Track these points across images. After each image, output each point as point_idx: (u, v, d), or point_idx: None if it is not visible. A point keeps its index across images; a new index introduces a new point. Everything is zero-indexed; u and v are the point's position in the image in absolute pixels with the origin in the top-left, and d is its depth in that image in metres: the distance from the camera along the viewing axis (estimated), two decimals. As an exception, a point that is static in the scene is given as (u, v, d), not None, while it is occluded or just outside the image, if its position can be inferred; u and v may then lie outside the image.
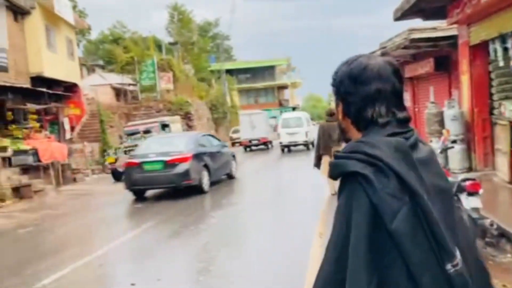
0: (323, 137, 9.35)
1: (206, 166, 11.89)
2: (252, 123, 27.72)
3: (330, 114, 9.52)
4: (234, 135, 36.39)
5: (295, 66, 65.15)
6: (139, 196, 11.93)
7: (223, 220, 8.61)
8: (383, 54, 12.94)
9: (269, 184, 13.27)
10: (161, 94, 31.67)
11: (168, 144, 12.28)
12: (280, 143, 23.97)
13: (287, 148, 23.72)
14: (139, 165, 11.44)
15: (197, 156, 11.64)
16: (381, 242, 1.16)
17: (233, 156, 14.62)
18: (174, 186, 11.40)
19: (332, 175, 1.27)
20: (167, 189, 12.00)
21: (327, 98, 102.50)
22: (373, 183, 1.17)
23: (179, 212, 9.62)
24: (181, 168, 11.15)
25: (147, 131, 19.36)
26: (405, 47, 11.33)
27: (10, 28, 17.64)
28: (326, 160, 9.13)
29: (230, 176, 14.13)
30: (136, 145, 17.79)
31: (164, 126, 20.34)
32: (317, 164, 9.45)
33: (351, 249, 1.17)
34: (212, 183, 12.17)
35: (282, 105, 59.93)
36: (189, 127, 28.75)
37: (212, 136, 14.84)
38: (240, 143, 29.66)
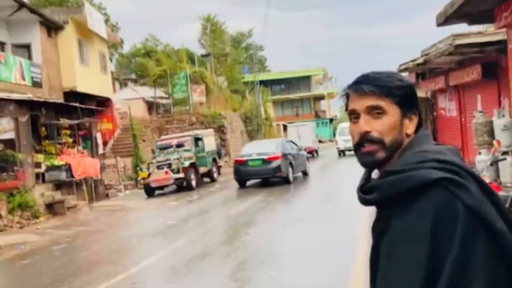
0: None
1: (290, 163, 16.60)
2: (299, 133, 30.87)
3: None
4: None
5: (332, 76, 64.85)
6: (243, 185, 17.04)
7: (305, 197, 9.69)
8: (425, 62, 12.75)
9: (331, 177, 18.47)
10: (193, 107, 32.07)
11: (263, 147, 17.41)
12: (337, 148, 28.64)
13: (343, 153, 27.63)
14: (245, 162, 16.55)
15: (284, 156, 16.26)
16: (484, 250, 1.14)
17: (307, 158, 19.44)
18: (271, 177, 16.33)
19: (402, 190, 1.20)
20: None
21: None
22: (467, 186, 1.16)
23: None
24: (275, 164, 15.98)
25: (180, 145, 19.60)
26: (449, 54, 11.12)
27: (43, 44, 18.34)
28: None
29: (305, 173, 18.60)
30: (168, 159, 18.08)
31: (197, 139, 20.55)
32: None
33: (460, 267, 1.12)
34: (294, 177, 16.83)
35: (318, 116, 59.72)
36: (223, 141, 28.96)
37: (292, 142, 19.36)
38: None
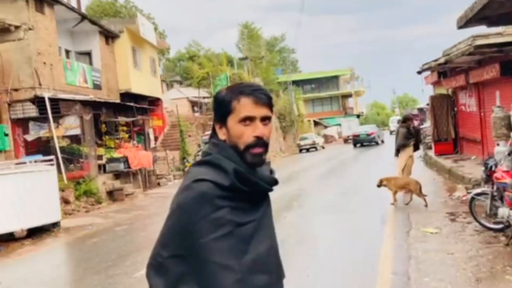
0: (397, 138, 10.51)
1: (378, 136, 32.92)
2: (349, 125, 44.94)
3: (403, 120, 10.84)
4: (302, 142, 36.47)
5: (358, 75, 64.13)
6: (356, 146, 32.10)
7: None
8: (446, 62, 12.63)
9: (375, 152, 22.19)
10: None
11: (366, 128, 34.62)
12: (390, 131, 42.49)
13: (361, 143, 33.28)
14: (358, 135, 32.62)
15: (376, 132, 32.78)
16: None
17: (382, 134, 35.06)
18: (370, 143, 31.91)
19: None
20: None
21: (390, 105, 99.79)
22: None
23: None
24: (372, 136, 32.18)
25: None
26: (469, 54, 11.01)
27: (102, 51, 19.00)
28: (400, 156, 10.24)
29: (381, 142, 32.79)
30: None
31: (237, 134, 20.90)
32: (397, 154, 10.50)
33: None
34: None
35: (346, 113, 59.19)
36: (259, 136, 29.22)
37: (377, 126, 34.87)
38: (345, 139, 42.57)
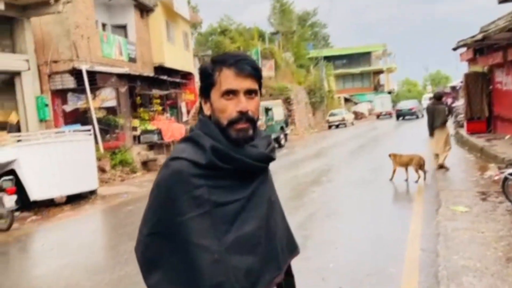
0: (430, 118, 10.20)
1: (418, 110, 36.99)
2: (382, 102, 47.07)
3: (438, 97, 10.51)
4: (331, 118, 36.12)
5: (391, 52, 62.53)
6: (399, 119, 36.92)
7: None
8: (484, 38, 12.15)
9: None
10: (263, 80, 32.22)
11: (408, 103, 39.09)
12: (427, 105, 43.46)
13: (403, 117, 37.35)
14: (401, 110, 37.38)
15: (416, 107, 37.22)
16: None
17: (422, 109, 35.15)
18: (411, 116, 36.33)
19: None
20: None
21: (422, 83, 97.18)
22: None
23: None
24: (413, 110, 36.74)
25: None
26: (509, 30, 10.55)
27: (137, 24, 19.10)
28: (440, 133, 10.06)
29: (421, 116, 34.47)
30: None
31: (267, 109, 20.84)
32: (431, 134, 10.33)
33: None
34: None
35: (377, 89, 58.07)
36: (289, 111, 29.08)
37: (419, 101, 40.34)
38: (377, 115, 45.92)
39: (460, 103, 21.22)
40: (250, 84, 1.34)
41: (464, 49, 16.69)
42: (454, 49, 16.64)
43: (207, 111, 1.40)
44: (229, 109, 1.33)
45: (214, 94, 1.36)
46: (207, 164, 1.32)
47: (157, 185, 1.35)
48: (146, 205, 1.39)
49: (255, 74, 1.36)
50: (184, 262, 1.28)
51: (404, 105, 38.65)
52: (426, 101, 45.85)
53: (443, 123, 10.10)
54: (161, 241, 1.32)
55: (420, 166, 9.16)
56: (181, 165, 1.31)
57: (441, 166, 10.08)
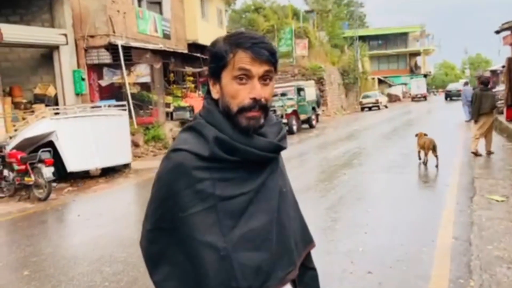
0: (478, 103, 10.02)
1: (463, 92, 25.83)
2: (418, 84, 48.28)
3: (486, 83, 10.42)
4: (364, 100, 35.58)
5: (429, 33, 60.62)
6: (447, 100, 40.82)
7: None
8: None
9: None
10: (296, 59, 31.94)
11: (456, 85, 41.81)
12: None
13: (451, 98, 40.00)
14: (450, 91, 41.56)
15: (463, 89, 23.47)
16: None
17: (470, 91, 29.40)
18: (458, 97, 30.38)
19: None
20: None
21: (461, 66, 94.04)
22: None
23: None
24: (461, 92, 24.23)
25: (284, 94, 19.94)
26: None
27: (172, 1, 19.13)
28: (486, 120, 10.00)
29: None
30: (273, 106, 18.55)
31: (300, 90, 20.69)
32: (476, 120, 10.22)
33: None
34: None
35: (413, 72, 56.66)
36: (321, 92, 28.77)
37: (466, 83, 26.03)
38: (412, 97, 48.29)
39: (500, 89, 20.47)
40: (266, 69, 1.24)
41: (508, 32, 16.02)
42: (497, 32, 16.01)
43: (215, 94, 1.28)
44: (241, 94, 1.23)
45: (225, 76, 1.25)
46: (210, 156, 1.23)
47: (158, 179, 1.28)
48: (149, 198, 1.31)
49: (272, 58, 1.25)
50: (189, 259, 1.23)
51: (454, 86, 42.62)
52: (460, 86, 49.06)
53: (492, 109, 10.08)
54: (165, 236, 1.26)
55: (431, 149, 9.21)
56: (183, 158, 1.23)
57: (476, 153, 9.97)
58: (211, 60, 1.28)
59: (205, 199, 1.22)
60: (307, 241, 1.45)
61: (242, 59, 1.22)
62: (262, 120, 1.26)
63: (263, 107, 1.25)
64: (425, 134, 9.64)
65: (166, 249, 1.26)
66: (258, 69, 1.23)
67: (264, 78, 1.24)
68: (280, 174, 1.39)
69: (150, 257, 1.31)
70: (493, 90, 21.30)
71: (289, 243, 1.33)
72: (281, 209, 1.33)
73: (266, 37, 1.31)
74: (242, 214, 1.24)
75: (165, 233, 1.26)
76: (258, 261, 1.24)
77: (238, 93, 1.23)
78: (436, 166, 8.96)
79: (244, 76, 1.22)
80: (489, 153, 10.14)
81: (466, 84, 22.76)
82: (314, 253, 1.50)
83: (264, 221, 1.27)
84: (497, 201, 6.30)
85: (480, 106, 9.97)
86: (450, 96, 41.34)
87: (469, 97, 17.99)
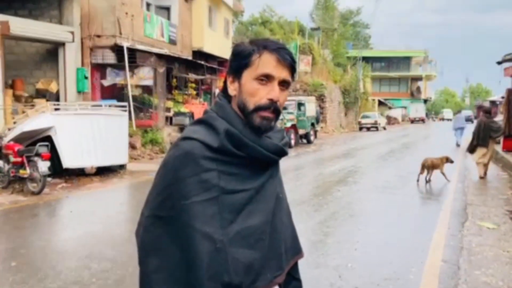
0: (483, 131, 10.56)
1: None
2: (416, 108, 53.33)
3: (487, 111, 11.36)
4: (363, 120, 35.73)
5: (432, 59, 61.12)
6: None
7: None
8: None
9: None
10: (299, 75, 32.13)
11: (465, 112, 33.11)
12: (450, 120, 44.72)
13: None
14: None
15: (472, 115, 44.60)
16: None
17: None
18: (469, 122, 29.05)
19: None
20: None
21: (461, 94, 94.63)
22: None
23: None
24: (471, 117, 41.01)
25: (284, 107, 19.92)
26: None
27: (181, 7, 19.30)
28: (480, 151, 10.62)
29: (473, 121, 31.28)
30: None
31: (300, 104, 20.79)
32: (471, 150, 10.91)
33: None
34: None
35: (413, 96, 57.02)
36: (321, 108, 28.90)
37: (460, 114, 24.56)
38: (411, 120, 52.92)
39: (499, 119, 20.62)
40: (286, 75, 1.29)
41: (509, 64, 16.20)
42: (499, 62, 16.19)
43: (233, 91, 1.32)
44: (259, 94, 1.27)
45: (247, 75, 1.29)
46: (219, 148, 1.25)
47: (164, 165, 1.29)
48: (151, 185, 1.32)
49: (293, 66, 1.31)
50: (184, 249, 1.22)
51: (464, 112, 48.64)
52: (447, 114, 59.35)
53: (494, 137, 10.81)
54: (162, 225, 1.25)
55: (445, 162, 10.15)
56: (192, 146, 1.25)
57: (484, 175, 10.71)
58: (234, 58, 1.32)
59: (209, 189, 1.23)
60: (296, 250, 1.47)
61: (267, 61, 1.27)
62: (273, 123, 1.31)
63: (277, 110, 1.29)
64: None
65: (160, 238, 1.26)
66: (280, 73, 1.28)
67: (282, 84, 1.29)
68: (278, 180, 1.43)
69: (143, 245, 1.31)
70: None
71: (279, 247, 1.35)
72: (276, 214, 1.35)
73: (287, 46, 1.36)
74: (241, 210, 1.26)
75: (162, 221, 1.26)
76: (250, 259, 1.25)
77: (257, 92, 1.27)
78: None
79: (265, 78, 1.27)
80: (482, 177, 10.64)
81: (459, 112, 24.24)
82: (303, 264, 1.51)
83: (260, 221, 1.29)
84: (488, 228, 6.33)
85: (484, 134, 10.52)
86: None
87: (460, 124, 20.10)
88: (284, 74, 1.28)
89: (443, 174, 10.02)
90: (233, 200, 1.26)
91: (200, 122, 1.33)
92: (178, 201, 1.23)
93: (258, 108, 1.27)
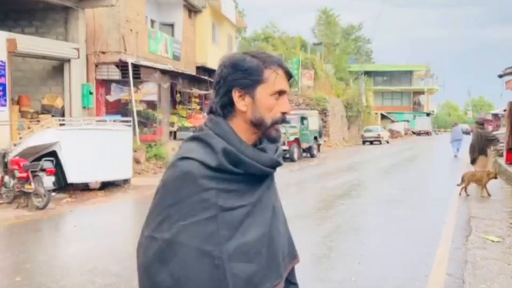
0: (480, 142, 11.05)
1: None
2: (422, 122, 55.45)
3: (481, 123, 12.27)
4: (366, 134, 35.71)
5: (433, 73, 61.30)
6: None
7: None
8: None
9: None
10: (301, 89, 32.26)
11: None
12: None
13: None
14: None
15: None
16: None
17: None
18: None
19: None
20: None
21: (464, 107, 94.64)
22: None
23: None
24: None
25: (286, 121, 19.92)
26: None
27: (185, 24, 19.51)
28: (481, 160, 11.06)
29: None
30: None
31: (303, 118, 20.83)
32: (472, 161, 11.37)
33: None
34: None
35: (416, 109, 57.09)
36: (324, 122, 28.94)
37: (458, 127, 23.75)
38: (416, 133, 54.28)
39: (501, 132, 20.59)
40: (287, 85, 1.36)
41: (510, 77, 16.22)
42: (500, 76, 16.22)
43: (243, 106, 1.31)
44: (276, 109, 1.31)
45: (262, 91, 1.30)
46: (217, 167, 1.25)
47: (163, 185, 1.28)
48: (150, 205, 1.31)
49: (292, 77, 1.38)
50: (183, 268, 1.22)
51: (461, 126, 48.84)
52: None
53: (491, 146, 11.31)
54: (161, 245, 1.25)
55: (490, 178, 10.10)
56: (190, 166, 1.24)
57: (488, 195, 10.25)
58: (241, 73, 1.30)
59: (208, 208, 1.24)
60: (293, 256, 1.50)
61: (280, 79, 1.32)
62: (280, 132, 1.38)
63: (284, 120, 1.36)
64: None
65: (161, 258, 1.25)
66: (288, 87, 1.35)
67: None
68: (273, 190, 1.45)
69: (142, 265, 1.30)
70: (494, 133, 21.50)
71: (277, 257, 1.37)
72: (273, 224, 1.38)
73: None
74: (239, 226, 1.28)
75: (162, 241, 1.25)
76: (249, 272, 1.27)
77: (274, 107, 1.31)
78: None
79: (281, 93, 1.32)
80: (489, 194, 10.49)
81: (455, 125, 24.59)
82: (307, 279, 1.56)
83: (258, 234, 1.31)
84: (493, 241, 6.28)
85: (483, 144, 10.98)
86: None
87: (457, 136, 21.22)
88: (287, 85, 1.35)
89: (485, 189, 9.85)
90: (232, 217, 1.27)
91: (195, 139, 1.33)
92: (176, 222, 1.24)
93: (275, 122, 1.32)
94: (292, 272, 1.51)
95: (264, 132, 1.33)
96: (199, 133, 1.34)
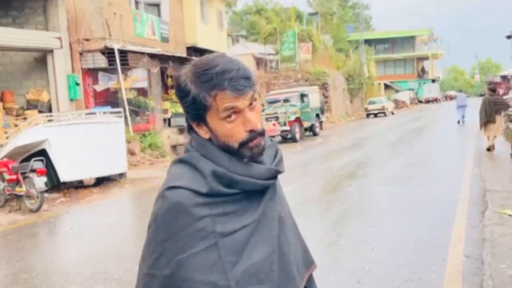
0: (489, 107, 11.83)
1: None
2: (430, 89, 56.71)
3: (493, 89, 12.77)
4: (370, 106, 35.59)
5: (437, 37, 60.79)
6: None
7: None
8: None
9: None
10: (299, 64, 32.01)
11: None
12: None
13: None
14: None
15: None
16: None
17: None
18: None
19: None
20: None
21: (470, 71, 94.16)
22: None
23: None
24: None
25: (286, 100, 19.96)
26: None
27: (171, 2, 19.20)
28: (490, 126, 11.96)
29: None
30: (276, 113, 18.62)
31: (303, 96, 20.70)
32: (483, 126, 12.22)
33: None
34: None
35: (420, 76, 56.81)
36: (325, 98, 28.81)
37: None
38: (426, 100, 56.15)
39: (511, 96, 20.50)
40: (250, 96, 1.21)
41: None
42: (509, 37, 16.05)
43: (204, 134, 1.26)
44: (236, 131, 1.22)
45: (211, 118, 1.22)
46: (209, 192, 1.21)
47: (154, 220, 1.23)
48: (145, 239, 1.28)
49: (252, 85, 1.23)
50: None
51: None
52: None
53: (499, 112, 12.04)
54: (162, 282, 1.21)
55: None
56: (180, 196, 1.19)
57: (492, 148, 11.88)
58: (189, 106, 1.23)
59: (206, 237, 1.19)
60: (309, 263, 1.45)
61: (224, 100, 1.18)
62: (263, 143, 1.27)
63: (261, 133, 1.25)
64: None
65: None
66: (243, 102, 1.20)
67: (250, 103, 1.22)
68: (278, 198, 1.37)
69: None
70: (504, 97, 21.45)
71: (291, 271, 1.32)
72: (282, 237, 1.32)
73: (234, 60, 1.25)
74: (244, 247, 1.23)
75: (161, 279, 1.22)
76: None
77: (232, 131, 1.21)
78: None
79: (233, 114, 1.20)
80: (490, 149, 11.91)
81: (460, 91, 25.94)
82: (318, 271, 1.50)
83: (267, 252, 1.26)
84: (510, 215, 6.27)
85: (491, 111, 11.78)
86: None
87: (462, 102, 21.98)
88: (247, 98, 1.20)
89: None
90: (234, 240, 1.22)
91: (182, 162, 1.27)
92: (174, 257, 1.19)
93: (243, 144, 1.23)
94: (310, 279, 1.47)
95: (237, 155, 1.24)
96: (185, 156, 1.28)
